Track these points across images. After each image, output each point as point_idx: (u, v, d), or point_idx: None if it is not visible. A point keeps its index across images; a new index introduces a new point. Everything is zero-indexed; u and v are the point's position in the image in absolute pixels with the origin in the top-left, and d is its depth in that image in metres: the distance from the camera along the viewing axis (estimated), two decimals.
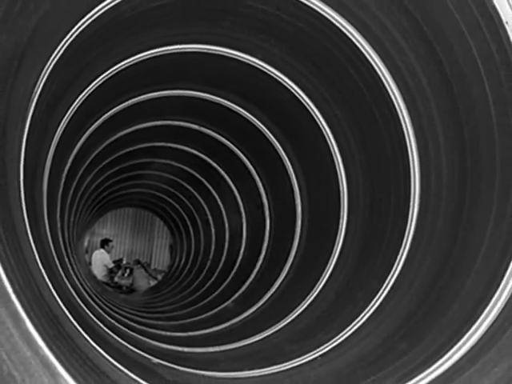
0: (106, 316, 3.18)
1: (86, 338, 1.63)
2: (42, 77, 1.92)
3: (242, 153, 4.97)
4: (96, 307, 3.15)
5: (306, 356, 2.54)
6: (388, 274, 2.62)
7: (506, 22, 1.78)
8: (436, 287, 2.26)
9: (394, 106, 2.58)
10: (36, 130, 2.06)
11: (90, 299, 3.25)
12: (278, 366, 2.48)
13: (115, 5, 2.23)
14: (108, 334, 2.36)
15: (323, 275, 3.36)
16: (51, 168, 2.81)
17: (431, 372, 1.80)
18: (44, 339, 1.01)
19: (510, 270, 1.81)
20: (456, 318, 1.98)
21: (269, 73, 3.36)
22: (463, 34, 1.97)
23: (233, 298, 4.75)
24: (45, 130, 2.52)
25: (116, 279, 9.83)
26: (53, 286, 1.71)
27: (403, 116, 2.56)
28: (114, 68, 3.06)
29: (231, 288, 5.07)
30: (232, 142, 5.00)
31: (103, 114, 3.90)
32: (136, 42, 2.99)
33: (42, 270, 1.68)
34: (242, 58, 3.32)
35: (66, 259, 3.39)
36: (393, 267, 2.61)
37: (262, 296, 4.08)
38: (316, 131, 3.43)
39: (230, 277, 5.48)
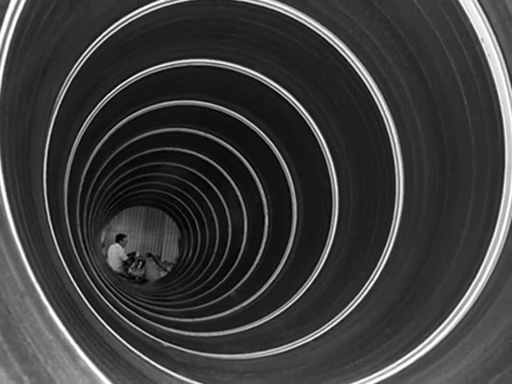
0: (121, 304, 3.18)
1: (102, 324, 1.63)
2: (63, 87, 1.92)
3: (244, 156, 4.98)
4: (111, 296, 3.15)
5: (301, 340, 2.54)
6: (375, 266, 2.62)
7: (482, 39, 1.78)
8: (418, 278, 2.26)
9: (380, 114, 2.58)
10: (58, 136, 2.06)
11: (106, 288, 3.25)
12: (276, 348, 2.48)
13: (129, 23, 2.23)
14: (122, 319, 2.36)
15: (316, 267, 3.36)
16: (71, 170, 2.81)
17: (414, 354, 1.80)
18: (65, 324, 1.01)
19: (485, 264, 1.81)
20: (436, 305, 1.98)
21: (268, 84, 3.36)
22: (443, 49, 1.97)
23: (235, 288, 4.75)
24: (66, 135, 2.52)
25: (130, 270, 9.82)
26: (72, 276, 1.71)
27: (389, 124, 2.56)
28: (128, 80, 3.06)
29: (234, 279, 5.07)
30: (234, 147, 5.00)
31: (119, 122, 3.90)
32: (148, 57, 3.00)
33: (63, 262, 1.68)
34: (243, 71, 3.33)
35: (85, 252, 3.39)
36: (379, 260, 2.61)
37: (261, 286, 4.08)
38: (310, 137, 3.43)
39: (233, 268, 5.48)
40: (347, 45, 2.50)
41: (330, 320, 2.59)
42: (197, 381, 1.62)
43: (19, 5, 1.14)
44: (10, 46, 1.13)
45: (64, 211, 2.53)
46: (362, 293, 2.59)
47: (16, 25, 1.14)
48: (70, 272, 1.71)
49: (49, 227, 1.70)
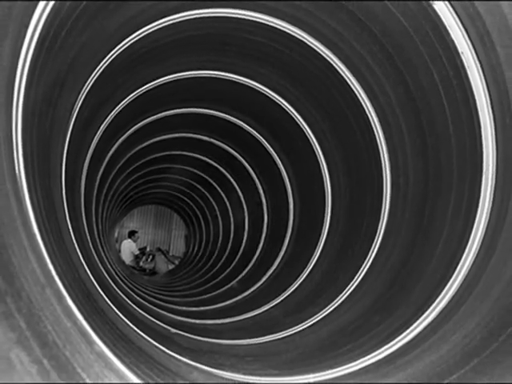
0: (133, 294, 3.18)
1: (115, 312, 1.64)
2: (80, 97, 1.93)
3: (244, 159, 4.98)
4: (124, 286, 3.15)
5: (297, 327, 2.54)
6: (364, 260, 2.62)
7: (462, 52, 1.78)
8: (404, 270, 2.26)
9: (369, 120, 2.59)
10: (75, 141, 2.06)
11: (119, 280, 3.25)
12: (274, 335, 2.48)
13: (139, 38, 2.24)
14: (134, 308, 2.36)
15: (311, 260, 3.36)
16: (87, 173, 2.82)
17: (401, 340, 1.80)
18: (81, 313, 1.01)
19: (464, 257, 1.82)
20: (420, 295, 1.98)
21: (266, 94, 3.37)
22: (426, 61, 1.97)
23: (237, 279, 4.75)
24: (82, 140, 2.53)
25: (141, 264, 9.80)
26: (89, 268, 1.72)
27: (377, 129, 2.56)
28: (139, 90, 3.06)
29: (235, 271, 5.07)
30: (236, 151, 5.01)
31: (130, 128, 3.90)
32: (157, 69, 3.00)
33: (80, 256, 1.69)
34: (245, 81, 3.33)
35: (100, 247, 3.39)
36: (368, 254, 2.61)
37: (261, 277, 4.08)
38: (305, 142, 3.44)
39: (235, 262, 5.48)
40: (339, 58, 2.51)
41: (324, 309, 2.59)
42: (202, 364, 1.62)
43: (39, 24, 1.14)
44: (31, 61, 1.13)
45: (81, 209, 2.54)
46: (353, 284, 2.59)
47: (36, 42, 1.14)
48: (87, 265, 1.72)
49: (67, 224, 1.70)
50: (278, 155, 4.16)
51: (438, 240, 2.05)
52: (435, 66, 1.94)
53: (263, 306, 3.27)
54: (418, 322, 1.82)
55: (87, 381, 0.87)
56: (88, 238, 2.49)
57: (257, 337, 2.46)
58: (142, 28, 2.20)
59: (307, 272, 3.33)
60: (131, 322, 1.67)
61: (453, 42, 1.79)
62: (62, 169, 1.84)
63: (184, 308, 3.95)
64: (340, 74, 2.56)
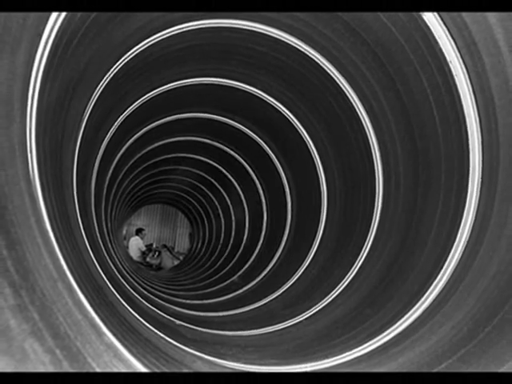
0: (140, 288, 3.18)
1: (124, 305, 1.64)
2: (90, 103, 1.93)
3: (245, 161, 4.98)
4: (131, 281, 3.15)
5: (294, 319, 2.54)
6: (358, 256, 2.62)
7: (450, 61, 1.78)
8: (395, 266, 2.26)
9: (362, 124, 2.59)
10: (85, 145, 2.06)
11: (127, 275, 3.25)
12: (272, 326, 2.48)
13: (147, 47, 2.24)
14: (141, 301, 2.36)
15: (308, 257, 3.36)
16: (97, 174, 2.81)
17: (392, 331, 1.80)
18: (91, 306, 1.01)
19: (452, 254, 1.82)
20: (410, 289, 1.98)
21: (266, 100, 3.37)
22: (416, 69, 1.97)
23: (238, 274, 4.75)
24: (92, 144, 2.53)
25: (147, 259, 9.79)
26: (98, 264, 1.71)
27: (370, 133, 2.56)
28: (147, 96, 3.06)
29: (237, 266, 5.07)
30: (237, 153, 5.01)
31: (138, 132, 3.90)
32: (163, 76, 3.00)
33: (90, 252, 1.69)
34: (246, 88, 3.33)
35: (109, 244, 3.39)
36: (361, 251, 2.61)
37: (260, 272, 4.08)
38: (302, 145, 3.44)
39: (236, 258, 5.47)
40: (334, 65, 2.51)
41: (319, 302, 2.59)
42: (206, 354, 1.62)
43: (52, 33, 1.14)
44: (44, 69, 1.13)
45: (91, 208, 2.54)
46: (347, 279, 2.59)
47: (49, 50, 1.14)
48: (96, 261, 1.72)
49: (78, 222, 1.70)
50: (276, 157, 4.16)
51: (428, 237, 2.05)
52: (425, 73, 1.94)
53: (263, 300, 3.27)
54: (408, 314, 1.82)
55: (97, 370, 0.87)
56: (98, 235, 2.48)
57: (257, 328, 2.46)
58: (149, 37, 2.20)
59: (304, 268, 3.33)
60: (139, 314, 1.67)
61: (441, 50, 1.79)
62: (74, 169, 1.84)
63: (188, 301, 3.95)
64: (335, 81, 2.56)
